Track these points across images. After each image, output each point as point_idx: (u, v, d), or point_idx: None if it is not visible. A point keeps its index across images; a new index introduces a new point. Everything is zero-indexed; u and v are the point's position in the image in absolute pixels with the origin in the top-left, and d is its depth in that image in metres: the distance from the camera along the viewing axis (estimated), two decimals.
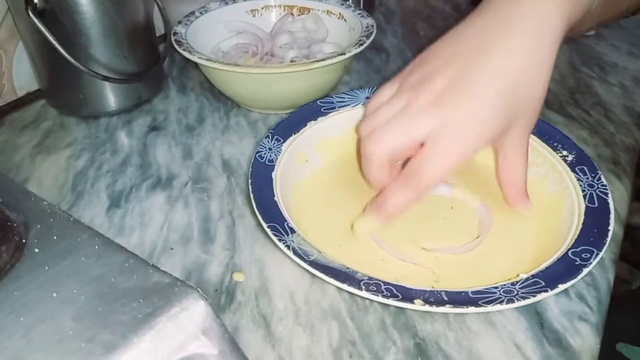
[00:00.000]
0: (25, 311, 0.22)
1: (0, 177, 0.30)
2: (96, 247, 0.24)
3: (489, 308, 0.31)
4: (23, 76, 0.60)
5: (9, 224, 0.25)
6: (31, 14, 0.49)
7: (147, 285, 0.22)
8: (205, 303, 0.22)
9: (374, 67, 0.69)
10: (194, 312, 0.22)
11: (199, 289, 0.22)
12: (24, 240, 0.25)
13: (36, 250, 0.24)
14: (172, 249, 0.43)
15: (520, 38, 0.36)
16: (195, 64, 0.60)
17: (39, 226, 0.26)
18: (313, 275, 0.38)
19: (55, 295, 0.22)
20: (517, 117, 0.37)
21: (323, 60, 0.52)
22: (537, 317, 0.37)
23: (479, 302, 0.32)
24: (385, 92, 0.41)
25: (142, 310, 0.21)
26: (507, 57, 0.36)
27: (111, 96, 0.58)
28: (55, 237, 0.25)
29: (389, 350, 0.35)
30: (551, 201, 0.42)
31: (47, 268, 0.23)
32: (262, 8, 0.66)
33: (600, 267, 0.41)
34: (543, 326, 0.37)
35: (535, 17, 0.36)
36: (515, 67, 0.35)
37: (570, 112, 0.59)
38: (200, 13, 0.62)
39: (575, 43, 0.74)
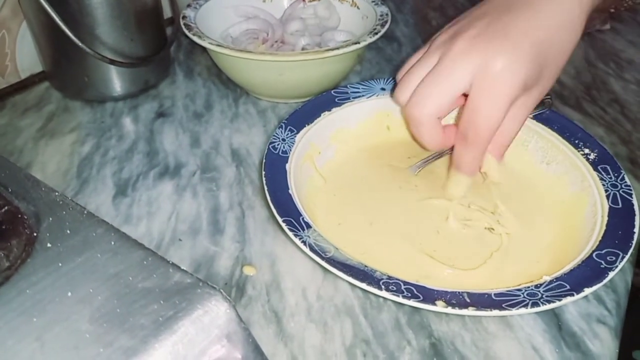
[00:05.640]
0: (37, 311, 0.20)
1: (7, 164, 0.28)
2: (112, 242, 0.23)
3: (513, 312, 0.31)
4: (26, 57, 0.58)
5: (19, 215, 0.24)
6: None
7: (168, 285, 0.21)
8: (229, 305, 0.21)
9: (385, 57, 0.68)
10: (217, 315, 0.21)
11: (222, 291, 0.21)
12: (35, 234, 0.23)
13: (48, 244, 0.23)
14: (180, 240, 0.42)
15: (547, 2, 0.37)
16: (203, 49, 0.58)
17: (50, 219, 0.24)
18: (325, 270, 0.37)
19: (69, 294, 0.21)
20: (542, 75, 0.37)
21: (337, 49, 0.50)
22: (554, 319, 0.36)
23: (503, 305, 0.31)
24: (414, 57, 0.41)
25: (163, 312, 0.20)
26: (536, 14, 0.36)
27: (117, 80, 0.56)
28: (68, 231, 0.23)
29: (404, 350, 0.34)
30: (571, 200, 0.41)
31: (60, 264, 0.22)
32: None
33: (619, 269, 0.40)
34: (561, 329, 0.36)
35: None
36: (545, 25, 0.36)
37: (586, 108, 0.58)
38: None
39: (590, 38, 0.72)
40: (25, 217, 0.24)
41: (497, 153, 0.41)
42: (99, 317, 0.20)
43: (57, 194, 0.26)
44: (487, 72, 0.35)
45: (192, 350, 0.20)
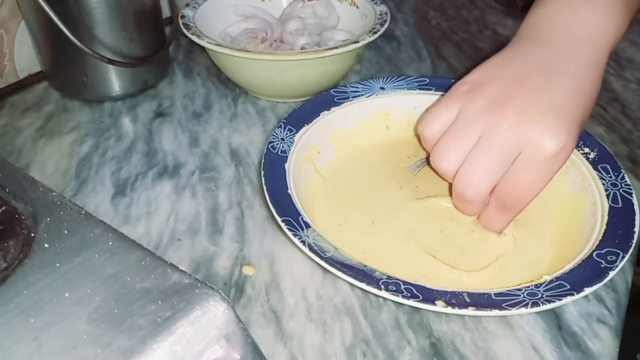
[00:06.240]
0: (35, 312, 0.20)
1: (5, 164, 0.28)
2: (110, 243, 0.23)
3: (513, 311, 0.30)
4: (25, 57, 0.58)
5: (17, 216, 0.24)
6: None
7: (166, 285, 0.21)
8: (228, 306, 0.21)
9: (384, 56, 0.68)
10: (215, 315, 0.20)
11: (220, 291, 0.21)
12: (32, 234, 0.23)
13: (46, 245, 0.23)
14: (179, 240, 0.42)
15: (581, 63, 0.36)
16: (202, 48, 0.58)
17: (48, 219, 0.24)
18: (325, 270, 0.37)
19: (67, 295, 0.21)
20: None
21: (337, 48, 0.50)
22: (555, 319, 0.36)
23: (503, 305, 0.31)
24: (443, 115, 0.38)
25: (161, 313, 0.20)
26: (579, 82, 0.36)
27: (116, 80, 0.56)
28: (66, 232, 0.23)
29: (404, 350, 0.34)
30: (571, 199, 0.41)
31: (58, 265, 0.22)
32: None
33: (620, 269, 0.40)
34: (561, 328, 0.36)
35: (590, 39, 0.37)
36: (588, 93, 0.36)
37: None
38: None
39: None
40: (23, 218, 0.24)
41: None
42: (96, 318, 0.20)
43: (54, 194, 0.26)
44: (538, 151, 0.34)
45: (191, 351, 0.20)
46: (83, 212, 0.25)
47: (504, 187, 0.36)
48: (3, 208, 0.24)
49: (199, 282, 0.21)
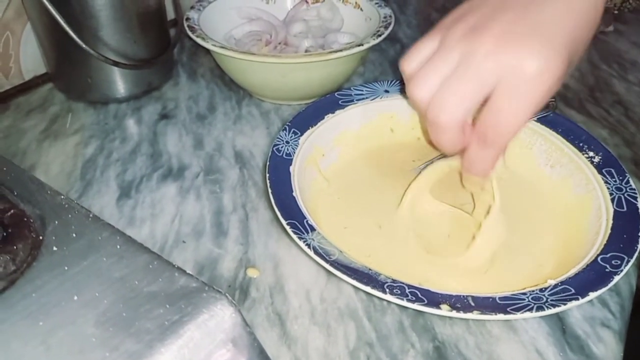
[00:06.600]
0: (43, 315, 0.20)
1: (11, 167, 0.28)
2: (118, 246, 0.23)
3: (518, 316, 0.30)
4: (30, 59, 0.58)
5: (25, 219, 0.24)
6: None
7: (173, 289, 0.21)
8: (235, 310, 0.21)
9: (388, 58, 0.68)
10: (222, 319, 0.21)
11: (227, 295, 0.21)
12: (40, 237, 0.23)
13: (54, 248, 0.23)
14: (184, 242, 0.42)
15: None
16: (206, 51, 0.58)
17: (56, 222, 0.24)
18: (328, 273, 0.37)
19: (75, 298, 0.21)
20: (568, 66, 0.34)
21: (341, 50, 0.50)
22: (558, 323, 0.36)
23: (507, 309, 0.31)
24: (424, 48, 0.36)
25: (169, 316, 0.20)
26: (568, 4, 0.33)
27: (120, 82, 0.56)
28: (74, 235, 0.23)
29: (408, 353, 0.34)
30: (576, 203, 0.41)
31: (66, 268, 0.22)
32: None
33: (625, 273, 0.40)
34: (565, 332, 0.36)
35: None
36: (576, 16, 0.33)
37: (590, 110, 0.58)
38: None
39: (594, 39, 0.72)
40: (31, 221, 0.24)
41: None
42: (104, 321, 0.20)
43: (62, 197, 0.26)
44: (518, 74, 0.32)
45: (198, 354, 0.20)
46: (91, 215, 0.25)
47: (484, 118, 0.34)
48: (11, 211, 0.24)
49: (206, 285, 0.21)
